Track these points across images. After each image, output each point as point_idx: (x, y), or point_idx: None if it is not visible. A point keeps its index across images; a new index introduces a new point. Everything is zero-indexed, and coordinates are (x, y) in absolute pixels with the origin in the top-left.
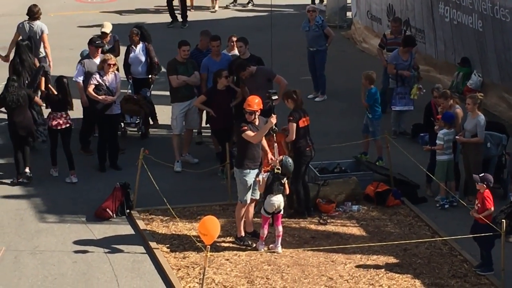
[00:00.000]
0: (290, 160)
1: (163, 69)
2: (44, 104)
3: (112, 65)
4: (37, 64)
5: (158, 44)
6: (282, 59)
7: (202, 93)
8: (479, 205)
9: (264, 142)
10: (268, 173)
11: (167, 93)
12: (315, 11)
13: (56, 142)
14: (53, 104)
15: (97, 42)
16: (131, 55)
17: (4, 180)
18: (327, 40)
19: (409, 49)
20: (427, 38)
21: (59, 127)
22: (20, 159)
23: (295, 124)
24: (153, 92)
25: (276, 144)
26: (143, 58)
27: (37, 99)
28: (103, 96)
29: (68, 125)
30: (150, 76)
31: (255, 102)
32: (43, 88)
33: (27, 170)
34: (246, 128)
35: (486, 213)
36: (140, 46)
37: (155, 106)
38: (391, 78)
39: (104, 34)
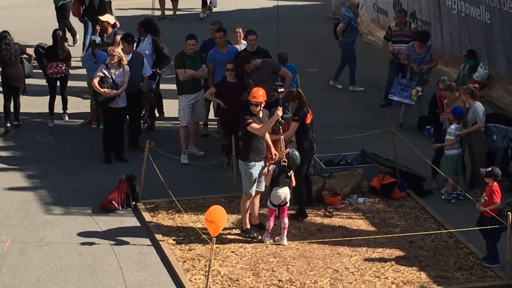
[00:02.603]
0: (296, 152)
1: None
2: (34, 55)
3: (112, 56)
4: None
5: (167, 36)
6: (288, 51)
7: (211, 84)
8: (486, 198)
9: (267, 136)
10: (275, 166)
11: (173, 86)
12: None
13: (54, 91)
14: (48, 55)
15: (129, 38)
16: (138, 48)
17: (10, 173)
18: None
19: (421, 44)
20: (433, 30)
21: (54, 76)
22: (9, 108)
23: (297, 124)
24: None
25: (282, 137)
26: (148, 51)
27: (28, 51)
28: (105, 90)
29: (63, 74)
30: (155, 69)
31: (260, 94)
32: (28, 52)
33: (15, 122)
34: (250, 120)
35: (493, 206)
36: (146, 39)
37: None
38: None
39: (101, 23)
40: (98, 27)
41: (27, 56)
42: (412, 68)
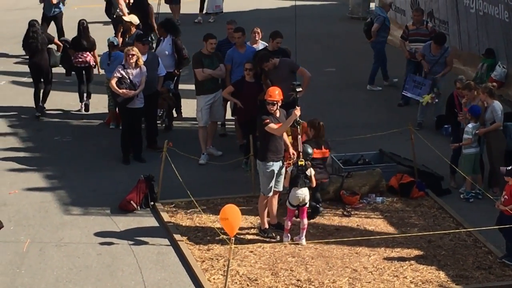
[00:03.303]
0: (310, 148)
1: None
2: (62, 45)
3: (131, 56)
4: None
5: (185, 38)
6: (305, 50)
7: (228, 84)
8: (505, 197)
9: (285, 136)
10: (293, 166)
11: (191, 86)
12: None
13: (81, 79)
14: (74, 45)
15: (144, 39)
16: (158, 48)
17: (29, 174)
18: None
19: (437, 46)
20: (451, 29)
21: (79, 65)
22: (39, 96)
23: None
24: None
25: (300, 136)
26: (167, 52)
27: (57, 40)
28: (123, 90)
29: (87, 64)
30: (174, 70)
31: (276, 93)
32: (57, 42)
33: (41, 104)
34: (268, 121)
35: None
36: (166, 39)
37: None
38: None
39: (124, 23)
40: (120, 27)
41: (55, 47)
42: (424, 65)
